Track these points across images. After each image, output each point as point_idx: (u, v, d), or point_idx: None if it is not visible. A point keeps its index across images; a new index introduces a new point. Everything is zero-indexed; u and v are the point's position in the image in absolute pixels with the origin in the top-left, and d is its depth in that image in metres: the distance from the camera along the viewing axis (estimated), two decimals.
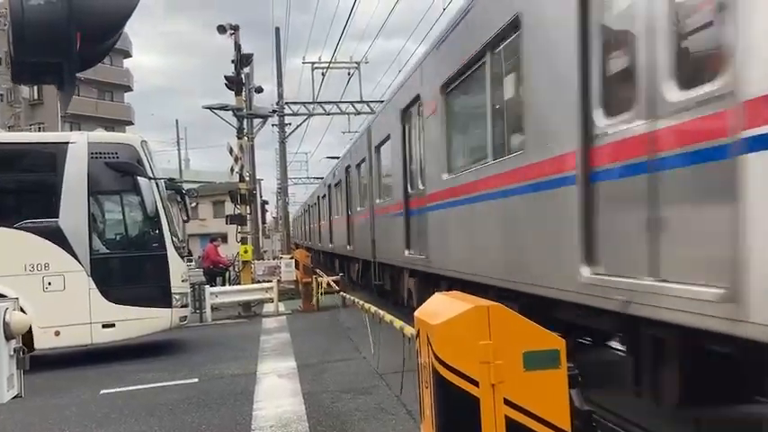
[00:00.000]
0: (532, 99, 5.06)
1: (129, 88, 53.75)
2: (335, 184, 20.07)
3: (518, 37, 5.17)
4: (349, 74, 26.68)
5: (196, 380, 8.07)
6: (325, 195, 23.60)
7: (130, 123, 51.95)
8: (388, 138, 10.99)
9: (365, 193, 14.08)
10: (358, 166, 15.05)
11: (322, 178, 30.85)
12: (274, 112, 23.84)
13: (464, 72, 6.74)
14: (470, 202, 6.54)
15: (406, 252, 9.71)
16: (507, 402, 2.46)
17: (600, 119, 4.05)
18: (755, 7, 2.79)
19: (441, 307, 2.79)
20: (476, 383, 2.45)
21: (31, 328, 8.69)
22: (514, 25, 5.19)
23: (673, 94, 3.36)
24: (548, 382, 2.50)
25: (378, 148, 12.33)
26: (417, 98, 8.63)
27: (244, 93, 18.51)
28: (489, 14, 5.81)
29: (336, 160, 23.70)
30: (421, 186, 8.72)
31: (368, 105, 25.23)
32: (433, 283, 8.57)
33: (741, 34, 2.85)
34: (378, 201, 12.45)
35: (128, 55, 52.35)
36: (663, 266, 3.42)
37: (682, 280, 3.24)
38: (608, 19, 4.12)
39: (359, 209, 15.17)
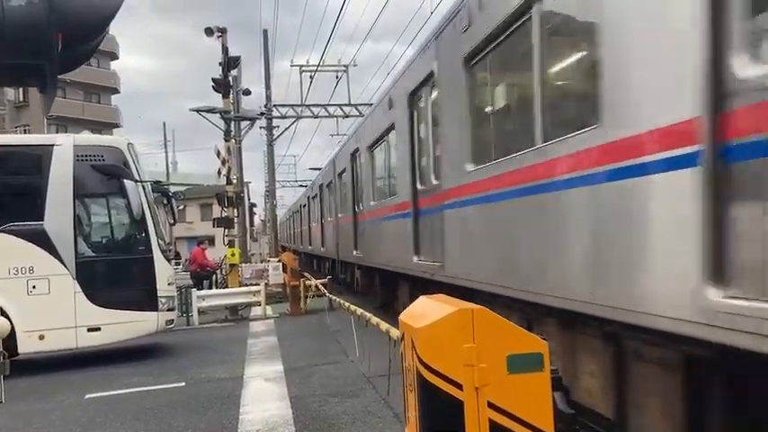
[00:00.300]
0: (396, 166, 9.27)
1: (116, 90, 53.43)
2: (313, 197, 24.24)
3: (393, 134, 9.46)
4: (337, 77, 26.61)
5: (183, 384, 8.04)
6: (305, 204, 27.97)
7: (117, 126, 51.62)
8: (345, 170, 15.05)
9: (332, 206, 17.98)
10: (328, 185, 18.95)
11: (308, 184, 31.29)
12: (262, 114, 23.74)
13: (377, 142, 10.98)
14: (381, 220, 10.52)
15: (355, 252, 13.54)
16: (491, 405, 2.48)
17: (418, 184, 8.05)
18: (439, 149, 7.13)
19: (425, 310, 2.79)
20: (460, 387, 2.47)
21: (15, 332, 8.62)
22: (392, 127, 9.41)
23: (433, 180, 7.29)
24: (531, 386, 2.52)
25: (340, 174, 16.19)
26: (358, 149, 12.92)
27: (231, 95, 18.47)
28: (385, 117, 9.92)
29: (318, 171, 26.57)
30: (361, 207, 12.79)
31: (356, 108, 25.13)
32: (369, 273, 13.30)
33: (442, 161, 6.96)
34: (339, 214, 16.26)
35: (114, 57, 52.02)
36: (435, 256, 7.15)
37: (436, 260, 7.10)
38: (420, 137, 8.05)
39: (329, 219, 18.96)
